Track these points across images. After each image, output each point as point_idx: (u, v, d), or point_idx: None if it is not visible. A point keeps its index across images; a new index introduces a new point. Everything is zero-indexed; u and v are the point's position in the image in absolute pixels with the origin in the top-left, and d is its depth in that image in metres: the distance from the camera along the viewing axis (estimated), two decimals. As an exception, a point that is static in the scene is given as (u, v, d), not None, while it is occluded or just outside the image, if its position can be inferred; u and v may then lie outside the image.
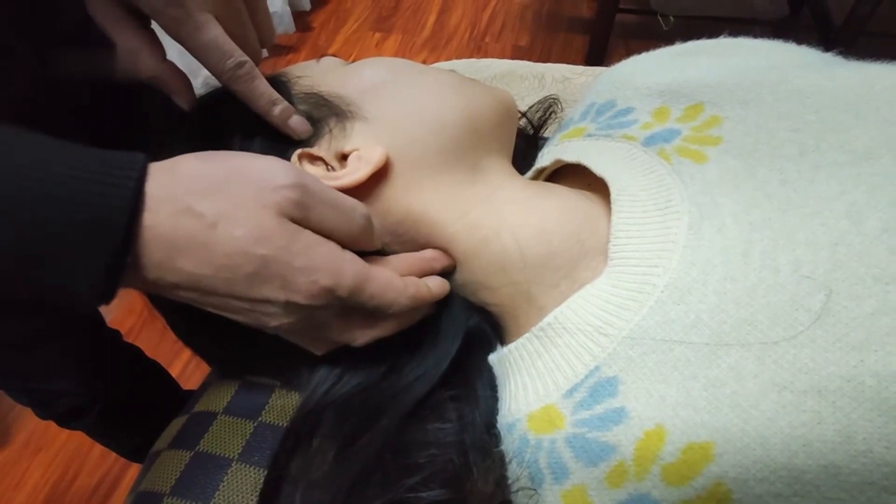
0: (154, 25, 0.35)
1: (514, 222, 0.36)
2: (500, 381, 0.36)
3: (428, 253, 0.36)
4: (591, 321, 0.31)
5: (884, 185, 0.28)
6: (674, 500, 0.26)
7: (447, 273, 0.37)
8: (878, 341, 0.23)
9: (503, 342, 0.38)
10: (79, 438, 1.00)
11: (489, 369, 0.37)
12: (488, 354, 0.37)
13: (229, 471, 0.39)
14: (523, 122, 0.53)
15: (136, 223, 0.25)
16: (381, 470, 0.32)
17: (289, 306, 0.29)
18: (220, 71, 0.34)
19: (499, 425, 0.34)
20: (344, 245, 0.30)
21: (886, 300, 0.24)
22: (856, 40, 1.30)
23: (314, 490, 0.32)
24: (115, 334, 0.72)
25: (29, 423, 1.06)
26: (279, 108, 0.35)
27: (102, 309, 0.33)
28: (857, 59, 0.38)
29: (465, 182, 0.37)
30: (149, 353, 0.79)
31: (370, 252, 0.34)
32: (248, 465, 0.40)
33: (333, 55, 0.43)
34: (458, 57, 1.23)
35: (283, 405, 0.43)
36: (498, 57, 1.04)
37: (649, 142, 0.38)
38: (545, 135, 0.53)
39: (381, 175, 0.35)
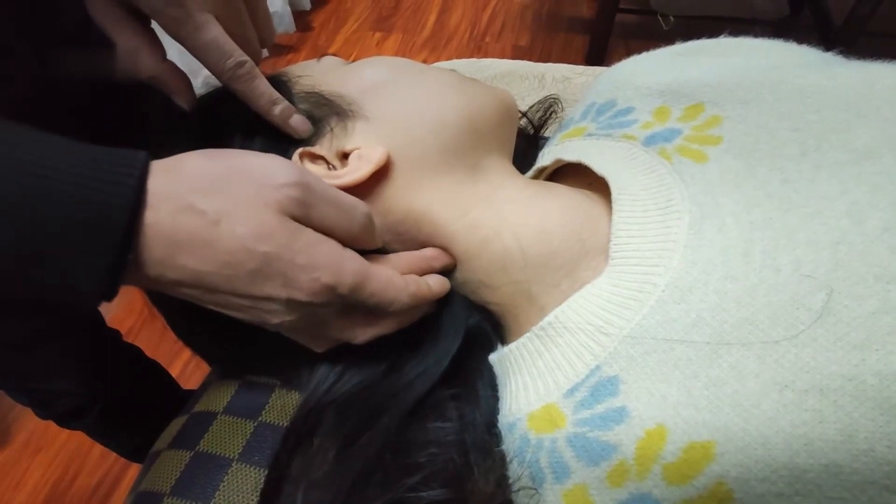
0: (154, 25, 0.35)
1: (515, 221, 0.36)
2: (500, 380, 0.36)
3: (428, 251, 0.36)
4: (591, 320, 0.31)
5: (885, 185, 0.28)
6: (675, 500, 0.26)
7: (447, 271, 0.37)
8: (880, 340, 0.23)
9: (504, 342, 0.38)
10: (79, 438, 1.00)
11: (490, 369, 0.37)
12: (489, 354, 0.37)
13: (230, 471, 0.39)
14: (524, 121, 0.53)
15: (137, 221, 0.25)
16: (381, 469, 0.32)
17: (290, 303, 0.29)
18: (220, 71, 0.34)
19: (499, 425, 0.34)
20: (345, 243, 0.30)
21: (887, 299, 0.24)
22: (856, 40, 1.30)
23: (315, 490, 0.32)
24: (115, 334, 0.72)
25: (29, 423, 1.06)
26: (280, 107, 0.35)
27: (102, 308, 0.33)
28: (858, 59, 0.38)
29: (465, 181, 0.37)
30: (149, 353, 0.79)
31: (371, 250, 0.34)
32: (248, 465, 0.39)
33: (334, 55, 0.43)
34: (458, 57, 1.23)
35: (283, 405, 0.43)
36: (498, 57, 1.04)
37: (650, 141, 0.38)
38: (546, 134, 0.53)
39: (381, 174, 0.35)
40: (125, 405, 0.73)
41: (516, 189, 0.38)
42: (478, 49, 1.76)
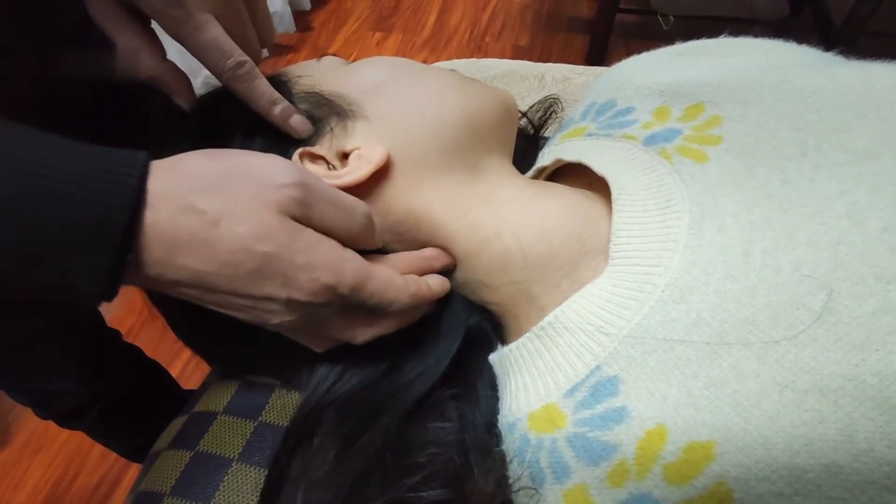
0: (154, 25, 0.35)
1: (515, 221, 0.36)
2: (500, 380, 0.36)
3: (428, 251, 0.36)
4: (591, 320, 0.31)
5: (885, 185, 0.28)
6: (675, 500, 0.26)
7: (447, 271, 0.37)
8: (880, 340, 0.23)
9: (504, 342, 0.38)
10: (79, 438, 1.00)
11: (490, 369, 0.37)
12: (489, 354, 0.37)
13: (230, 471, 0.39)
14: (524, 121, 0.53)
15: (137, 221, 0.25)
16: (381, 469, 0.32)
17: (290, 303, 0.29)
18: (220, 71, 0.34)
19: (499, 425, 0.34)
20: (345, 243, 0.30)
21: (888, 299, 0.24)
22: (856, 40, 1.30)
23: (315, 489, 0.32)
24: (115, 334, 0.72)
25: (29, 423, 1.06)
26: (280, 107, 0.35)
27: (102, 308, 0.33)
28: (858, 59, 0.38)
29: (465, 181, 0.37)
30: (149, 353, 0.79)
31: (371, 251, 0.34)
32: (248, 465, 0.39)
33: (334, 55, 0.43)
34: (459, 57, 1.23)
35: (283, 405, 0.43)
36: (498, 57, 1.04)
37: (650, 141, 0.38)
38: (545, 134, 0.53)
39: (382, 174, 0.35)
40: (125, 405, 0.73)
41: (516, 189, 0.38)
42: (478, 49, 1.76)
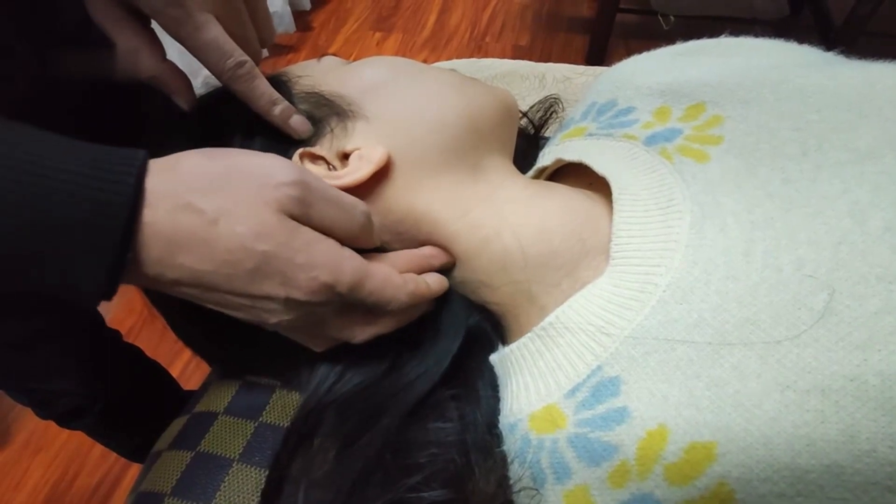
0: (154, 25, 0.35)
1: (515, 221, 0.36)
2: (501, 380, 0.36)
3: (426, 250, 0.36)
4: (592, 321, 0.31)
5: (887, 185, 0.28)
6: (677, 500, 0.26)
7: (446, 270, 0.37)
8: (882, 340, 0.23)
9: (504, 342, 0.38)
10: (79, 438, 1.00)
11: (490, 369, 0.37)
12: (489, 354, 0.37)
13: (230, 471, 0.39)
14: (524, 121, 0.53)
15: (136, 220, 0.25)
16: (382, 469, 0.32)
17: (289, 303, 0.29)
18: (220, 71, 0.34)
19: (500, 425, 0.34)
20: (343, 242, 0.30)
21: (890, 299, 0.24)
22: (856, 40, 1.30)
23: (316, 490, 0.32)
24: (115, 334, 0.72)
25: (29, 423, 1.06)
26: (280, 107, 0.35)
27: (102, 308, 0.33)
28: (858, 59, 0.37)
29: (466, 181, 0.37)
30: (149, 353, 0.79)
31: (369, 249, 0.34)
32: (249, 466, 0.39)
33: (334, 55, 0.43)
34: (459, 57, 1.23)
35: (283, 405, 0.43)
36: (498, 57, 1.04)
37: (651, 141, 0.38)
38: (546, 134, 0.53)
39: (382, 174, 0.35)
40: (125, 405, 0.73)
41: (517, 189, 0.38)
42: (478, 49, 1.76)
